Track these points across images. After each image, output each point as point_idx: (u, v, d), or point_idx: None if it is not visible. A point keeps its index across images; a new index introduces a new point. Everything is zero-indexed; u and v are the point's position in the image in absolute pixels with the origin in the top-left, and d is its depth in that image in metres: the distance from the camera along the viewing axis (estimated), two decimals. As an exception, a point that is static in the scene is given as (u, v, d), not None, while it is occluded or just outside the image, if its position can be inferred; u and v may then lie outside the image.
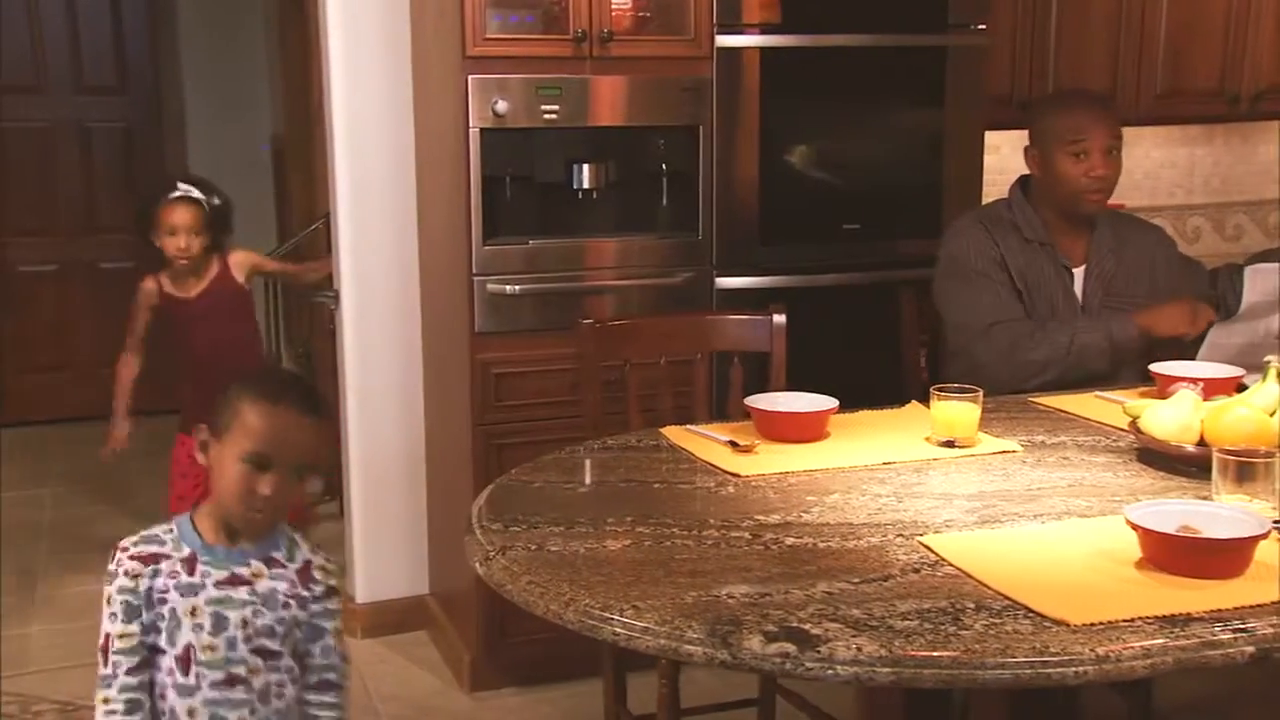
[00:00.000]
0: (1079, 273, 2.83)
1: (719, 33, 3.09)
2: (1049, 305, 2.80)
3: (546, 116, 2.98)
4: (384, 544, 3.52)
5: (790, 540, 1.77)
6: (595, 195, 3.12)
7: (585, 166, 3.07)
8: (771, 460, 2.11)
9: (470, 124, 2.92)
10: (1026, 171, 2.88)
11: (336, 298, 3.42)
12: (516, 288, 3.00)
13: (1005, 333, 2.72)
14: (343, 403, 3.46)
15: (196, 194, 3.45)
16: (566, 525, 1.84)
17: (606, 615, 1.55)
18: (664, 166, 3.16)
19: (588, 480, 2.10)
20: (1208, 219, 4.31)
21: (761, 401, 2.29)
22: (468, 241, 2.97)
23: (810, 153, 3.29)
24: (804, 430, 2.22)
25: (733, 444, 2.18)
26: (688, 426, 2.31)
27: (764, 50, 3.14)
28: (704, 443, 2.21)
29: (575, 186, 3.08)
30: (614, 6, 2.97)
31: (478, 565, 1.76)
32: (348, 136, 3.33)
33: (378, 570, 3.51)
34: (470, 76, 2.91)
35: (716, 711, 2.69)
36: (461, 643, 3.24)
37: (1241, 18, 3.77)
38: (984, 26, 3.30)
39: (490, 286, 2.99)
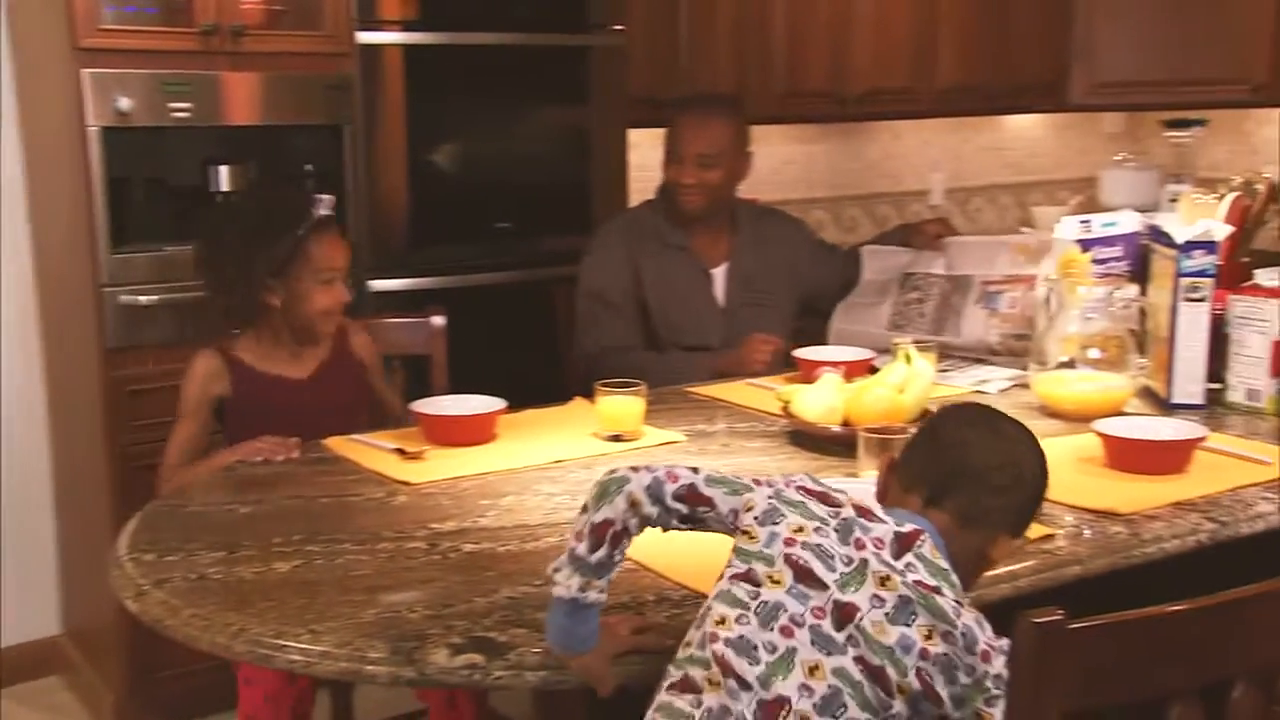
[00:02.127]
0: (719, 273, 2.93)
1: (358, 29, 3.01)
2: (685, 309, 2.87)
3: (176, 115, 2.80)
4: (7, 582, 3.20)
5: (468, 547, 1.74)
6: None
7: (223, 168, 2.91)
8: (441, 466, 2.07)
9: (88, 122, 2.71)
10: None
11: (-64, 315, 3.07)
12: (152, 298, 2.80)
13: (612, 362, 2.74)
14: (-50, 431, 3.12)
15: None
16: (229, 550, 1.73)
17: (281, 643, 1.47)
18: (308, 168, 3.05)
19: (249, 500, 1.98)
20: (827, 211, 4.61)
21: (427, 406, 2.25)
22: (92, 250, 2.75)
23: (459, 152, 3.26)
24: (472, 433, 2.19)
25: (400, 451, 2.12)
26: (350, 436, 2.23)
27: (406, 48, 3.09)
28: (369, 451, 2.14)
29: (213, 189, 2.91)
30: (244, -1, 2.83)
31: (130, 601, 1.63)
32: (-59, 135, 3.00)
33: (1, 613, 3.19)
34: (84, 70, 2.70)
35: (392, 725, 2.62)
36: (103, 684, 2.99)
37: (843, 24, 4.03)
38: (621, 27, 3.39)
39: (122, 298, 2.78)
